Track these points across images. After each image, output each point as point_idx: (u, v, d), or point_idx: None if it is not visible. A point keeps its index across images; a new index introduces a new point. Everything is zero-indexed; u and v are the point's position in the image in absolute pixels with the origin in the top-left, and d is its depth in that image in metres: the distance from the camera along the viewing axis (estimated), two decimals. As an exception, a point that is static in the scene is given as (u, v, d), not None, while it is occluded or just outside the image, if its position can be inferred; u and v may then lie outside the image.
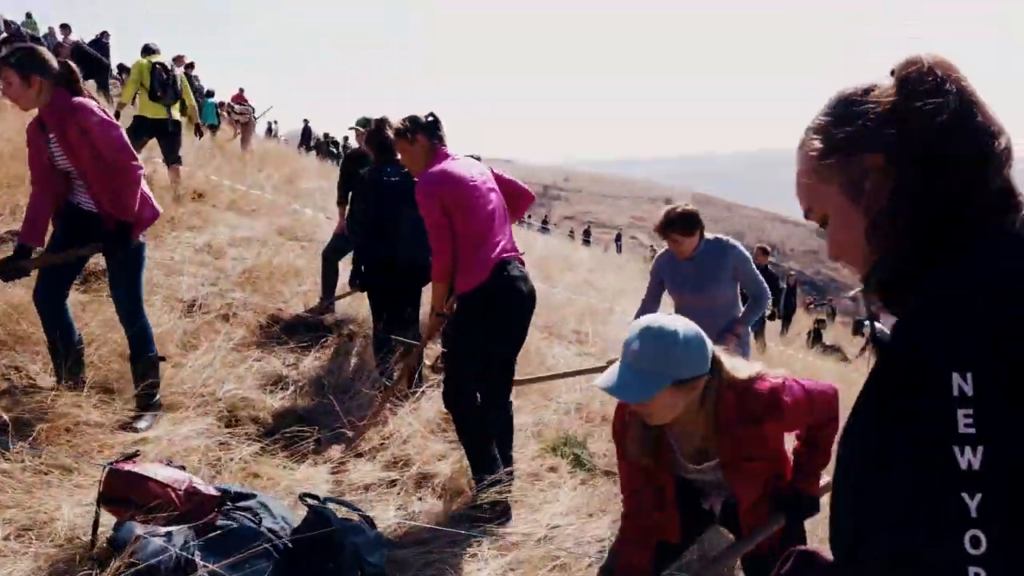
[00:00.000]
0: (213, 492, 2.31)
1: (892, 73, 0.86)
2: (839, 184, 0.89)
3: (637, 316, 3.80)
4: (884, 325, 0.96)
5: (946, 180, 0.81)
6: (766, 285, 3.81)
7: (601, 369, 3.88)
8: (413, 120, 3.27)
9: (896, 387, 0.73)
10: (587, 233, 33.46)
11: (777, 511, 1.95)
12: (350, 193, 5.62)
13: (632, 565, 2.01)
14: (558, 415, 4.58)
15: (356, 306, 5.46)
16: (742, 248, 3.76)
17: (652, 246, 36.95)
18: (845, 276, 64.26)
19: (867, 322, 0.98)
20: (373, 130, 4.27)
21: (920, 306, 0.75)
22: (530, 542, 2.82)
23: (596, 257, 19.08)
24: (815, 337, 14.25)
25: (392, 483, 3.14)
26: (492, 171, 3.45)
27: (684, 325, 1.77)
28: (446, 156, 3.25)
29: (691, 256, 3.65)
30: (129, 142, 3.22)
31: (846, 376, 10.54)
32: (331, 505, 2.37)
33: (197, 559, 1.98)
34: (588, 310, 8.43)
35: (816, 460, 2.01)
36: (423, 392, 4.06)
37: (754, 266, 3.79)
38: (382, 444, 3.43)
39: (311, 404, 3.83)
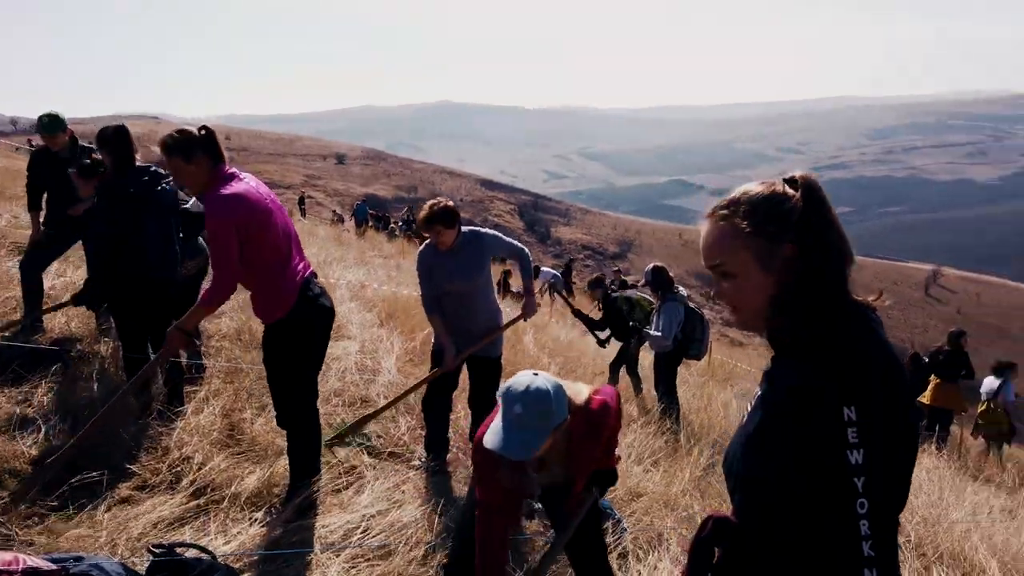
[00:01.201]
0: (51, 566, 2.13)
1: (794, 182, 1.32)
2: (755, 254, 1.30)
3: (427, 311, 4.11)
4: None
5: (832, 271, 1.28)
6: (520, 244, 4.37)
7: (429, 379, 4.20)
8: (189, 137, 3.04)
9: (801, 414, 1.20)
10: (266, 197, 31.75)
11: (591, 487, 2.47)
12: (44, 196, 4.97)
13: (499, 562, 2.35)
14: (320, 405, 4.70)
15: (71, 323, 4.89)
16: (489, 231, 4.26)
17: (335, 211, 36.60)
18: (510, 223, 70.47)
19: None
20: (113, 138, 3.82)
21: (814, 362, 1.23)
22: (354, 539, 3.05)
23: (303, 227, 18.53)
24: (504, 286, 15.82)
25: (203, 511, 3.08)
26: None
27: (550, 382, 2.11)
28: (231, 175, 3.09)
29: (452, 247, 4.03)
30: None
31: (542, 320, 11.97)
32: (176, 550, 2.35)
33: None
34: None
35: (614, 442, 2.54)
36: (191, 410, 3.92)
37: (503, 236, 4.32)
38: (175, 472, 3.31)
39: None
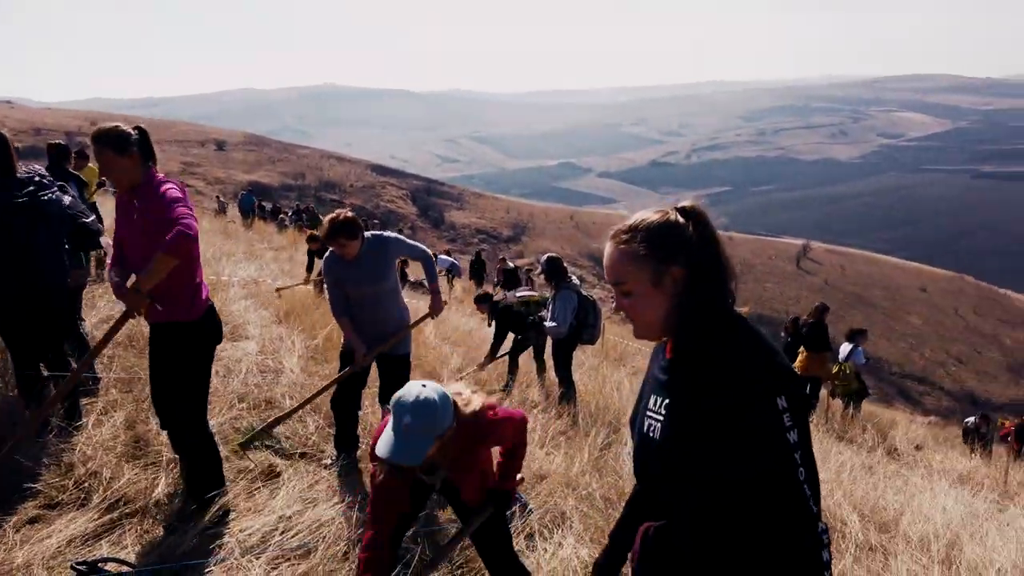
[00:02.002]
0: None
1: (685, 212, 1.52)
2: (649, 274, 1.50)
3: (335, 315, 4.20)
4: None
5: (714, 287, 1.51)
6: (424, 247, 4.53)
7: (341, 378, 4.29)
8: (122, 132, 3.07)
9: (740, 410, 1.39)
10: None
11: (488, 502, 2.66)
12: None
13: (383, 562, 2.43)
14: (225, 410, 4.68)
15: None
16: (393, 234, 4.39)
17: (218, 196, 35.03)
18: (402, 208, 69.74)
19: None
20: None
21: (731, 366, 1.43)
22: (273, 540, 3.14)
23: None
24: (401, 276, 15.85)
25: (117, 524, 3.07)
26: None
27: (437, 392, 2.28)
28: (164, 179, 3.17)
29: (358, 255, 4.12)
30: None
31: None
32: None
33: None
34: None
35: (515, 466, 2.75)
36: (91, 423, 3.85)
37: (407, 240, 4.45)
38: (83, 488, 3.26)
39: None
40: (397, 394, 2.28)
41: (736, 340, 1.48)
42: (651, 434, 1.56)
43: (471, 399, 2.47)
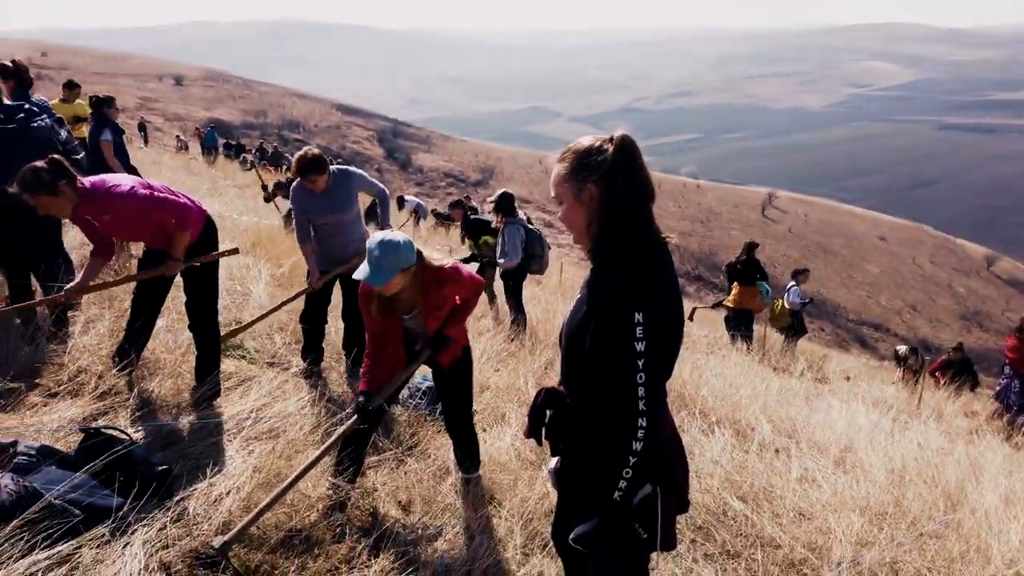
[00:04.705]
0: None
1: (611, 140, 1.78)
2: (571, 189, 1.80)
3: (299, 241, 4.65)
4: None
5: (623, 207, 1.76)
6: (382, 185, 4.97)
7: (298, 296, 4.82)
8: (41, 177, 3.31)
9: (607, 315, 1.72)
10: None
11: (427, 346, 3.18)
12: None
13: (377, 373, 3.13)
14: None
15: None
16: (356, 169, 4.79)
17: (178, 136, 34.38)
18: (369, 150, 68.72)
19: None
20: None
21: (619, 275, 1.73)
22: (249, 423, 3.64)
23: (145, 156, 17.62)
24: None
25: (110, 408, 3.53)
26: None
27: (401, 236, 2.90)
28: (92, 182, 3.55)
29: (325, 188, 4.51)
30: None
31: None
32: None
33: (38, 487, 2.38)
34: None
35: (461, 316, 3.28)
36: (77, 332, 4.27)
37: (368, 176, 4.86)
38: (77, 383, 3.69)
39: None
40: (370, 237, 2.89)
41: (625, 258, 1.75)
42: (567, 316, 1.92)
43: (439, 257, 3.15)
